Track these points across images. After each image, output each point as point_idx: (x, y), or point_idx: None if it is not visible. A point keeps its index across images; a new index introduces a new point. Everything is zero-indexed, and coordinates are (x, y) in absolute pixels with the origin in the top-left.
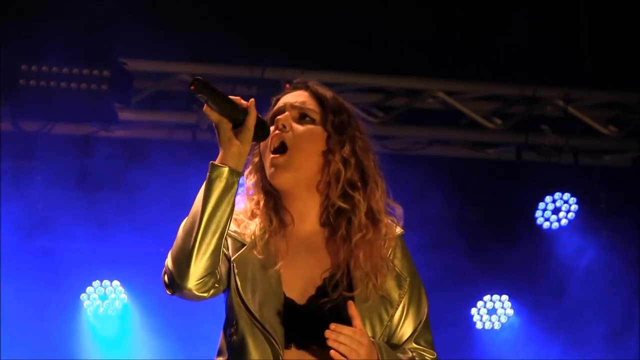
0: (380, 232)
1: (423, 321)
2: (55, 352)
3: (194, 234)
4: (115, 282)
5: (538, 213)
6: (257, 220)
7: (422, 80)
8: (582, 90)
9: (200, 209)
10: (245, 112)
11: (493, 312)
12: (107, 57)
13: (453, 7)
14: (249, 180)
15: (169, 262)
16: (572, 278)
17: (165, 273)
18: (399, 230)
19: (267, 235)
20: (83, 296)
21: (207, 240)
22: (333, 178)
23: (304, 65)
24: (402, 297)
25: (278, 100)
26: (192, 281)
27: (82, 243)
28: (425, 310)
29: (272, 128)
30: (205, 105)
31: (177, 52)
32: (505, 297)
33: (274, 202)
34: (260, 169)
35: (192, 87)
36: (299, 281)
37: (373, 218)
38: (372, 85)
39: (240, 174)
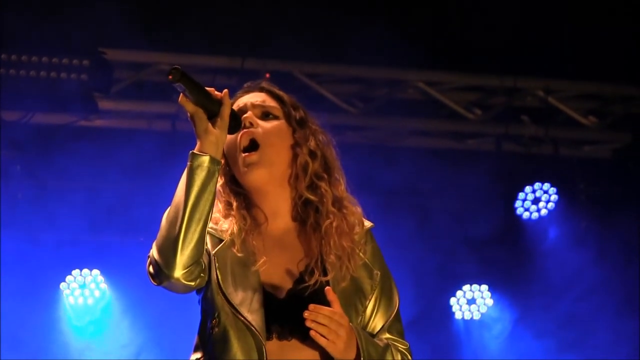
0: (348, 219)
1: (394, 313)
2: (35, 341)
3: (178, 223)
4: (95, 271)
5: (518, 203)
6: (231, 219)
7: (402, 71)
8: (562, 81)
9: (183, 198)
10: (219, 102)
11: (472, 302)
12: (86, 46)
13: None
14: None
15: (154, 252)
16: (551, 268)
17: (150, 264)
18: (368, 223)
19: (243, 234)
20: (63, 285)
21: (192, 228)
22: (301, 170)
23: (283, 56)
24: (374, 289)
25: (232, 103)
26: (180, 270)
27: (62, 232)
28: (396, 302)
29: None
30: (181, 95)
31: (157, 42)
32: (484, 287)
33: (245, 201)
34: (225, 172)
35: (169, 77)
36: (277, 277)
37: (339, 206)
38: (352, 76)
39: (220, 163)
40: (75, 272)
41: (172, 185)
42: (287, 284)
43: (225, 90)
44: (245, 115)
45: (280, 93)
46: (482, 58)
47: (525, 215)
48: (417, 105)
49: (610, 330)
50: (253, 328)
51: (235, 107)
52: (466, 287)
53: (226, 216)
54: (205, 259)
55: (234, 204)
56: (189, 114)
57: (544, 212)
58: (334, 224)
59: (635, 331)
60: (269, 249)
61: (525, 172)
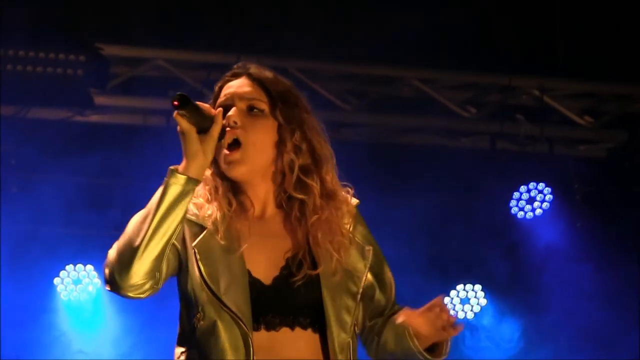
0: (338, 208)
1: (393, 284)
2: (28, 336)
3: (142, 234)
4: (89, 267)
5: (513, 203)
6: (216, 204)
7: (396, 68)
8: (557, 80)
9: (152, 211)
10: (212, 120)
11: (466, 302)
12: (83, 41)
13: None
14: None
15: (112, 256)
16: (546, 268)
17: (106, 266)
18: (354, 201)
19: (228, 219)
20: (56, 280)
21: (153, 242)
22: (287, 168)
23: (278, 52)
24: (367, 267)
25: (220, 88)
26: (131, 281)
27: (56, 227)
28: (391, 278)
29: (223, 122)
30: (175, 112)
31: (153, 37)
32: (478, 286)
33: (232, 186)
34: (215, 161)
35: (174, 103)
36: (263, 263)
37: (328, 197)
38: (346, 73)
39: (198, 183)
40: (69, 267)
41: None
42: (274, 272)
43: (220, 109)
44: (229, 114)
45: (267, 79)
46: (476, 56)
47: (520, 214)
48: (411, 103)
49: (604, 328)
50: (239, 319)
51: (222, 96)
52: (460, 287)
53: (211, 200)
54: (174, 255)
55: (220, 189)
56: (179, 129)
57: (538, 211)
58: (322, 217)
59: (631, 330)
60: (255, 234)
61: (520, 171)
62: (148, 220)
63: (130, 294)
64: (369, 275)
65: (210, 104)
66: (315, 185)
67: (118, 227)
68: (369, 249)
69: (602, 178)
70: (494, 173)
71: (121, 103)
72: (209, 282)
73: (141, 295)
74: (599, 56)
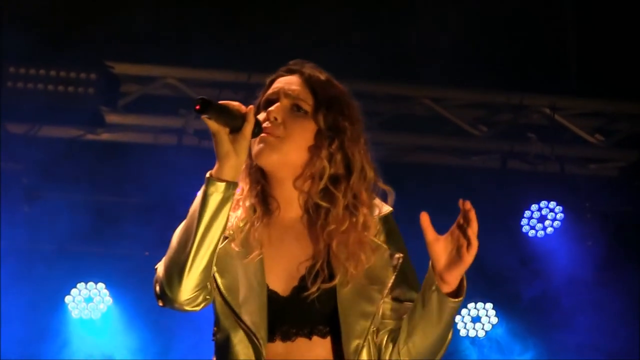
0: (359, 220)
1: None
2: (39, 354)
3: (188, 248)
4: (100, 284)
5: (524, 221)
6: (238, 212)
7: (407, 87)
8: (569, 99)
9: (195, 222)
10: (243, 118)
11: (477, 320)
12: (93, 60)
13: (439, 13)
14: None
15: (161, 272)
16: (558, 286)
17: (156, 282)
18: (387, 209)
19: (247, 226)
20: (67, 298)
21: (200, 254)
22: (317, 174)
23: None
24: (394, 273)
25: (272, 82)
26: (184, 295)
27: (67, 245)
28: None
29: (264, 115)
30: (202, 116)
31: (164, 55)
32: (489, 305)
33: (261, 189)
34: (250, 155)
35: (197, 107)
36: (282, 271)
37: (352, 210)
38: (357, 91)
39: (236, 185)
40: (81, 285)
41: (179, 199)
42: (292, 282)
43: (251, 106)
44: (271, 109)
45: (318, 81)
46: (488, 75)
47: (531, 233)
48: (422, 121)
49: (613, 346)
50: (252, 334)
51: (270, 90)
52: (471, 305)
53: (236, 206)
54: None
55: (247, 192)
56: (211, 132)
57: (549, 230)
58: (340, 229)
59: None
60: (277, 239)
61: (531, 190)
62: (192, 233)
63: (186, 308)
64: (400, 281)
65: (259, 94)
66: (341, 197)
67: (130, 244)
68: (399, 256)
69: (613, 197)
70: (505, 192)
71: (132, 121)
72: (225, 294)
73: (196, 308)
74: (611, 75)
